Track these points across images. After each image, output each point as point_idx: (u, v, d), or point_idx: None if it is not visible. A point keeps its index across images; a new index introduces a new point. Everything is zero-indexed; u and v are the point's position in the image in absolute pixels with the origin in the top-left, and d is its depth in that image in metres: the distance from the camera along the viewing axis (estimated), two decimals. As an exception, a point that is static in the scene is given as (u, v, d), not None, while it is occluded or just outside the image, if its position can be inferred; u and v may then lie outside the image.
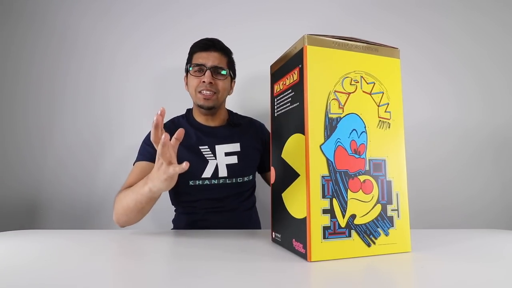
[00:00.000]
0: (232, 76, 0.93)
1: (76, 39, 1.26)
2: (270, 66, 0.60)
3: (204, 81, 0.84)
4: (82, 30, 1.26)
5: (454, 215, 1.19)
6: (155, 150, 0.81)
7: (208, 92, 0.85)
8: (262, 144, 0.96)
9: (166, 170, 0.57)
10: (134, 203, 0.68)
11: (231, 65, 0.93)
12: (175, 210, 0.95)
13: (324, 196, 0.44)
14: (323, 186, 0.44)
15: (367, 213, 0.46)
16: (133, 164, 0.85)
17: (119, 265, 0.43)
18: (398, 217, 0.48)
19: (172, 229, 0.94)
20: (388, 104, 0.50)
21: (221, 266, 0.42)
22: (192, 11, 1.26)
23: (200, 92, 0.86)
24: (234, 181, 0.88)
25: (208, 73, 0.84)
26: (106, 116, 1.25)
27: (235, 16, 1.25)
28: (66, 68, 1.26)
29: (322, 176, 0.44)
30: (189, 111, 0.97)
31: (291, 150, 0.50)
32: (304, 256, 0.44)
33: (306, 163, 0.44)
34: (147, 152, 0.84)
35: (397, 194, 0.49)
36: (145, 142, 0.87)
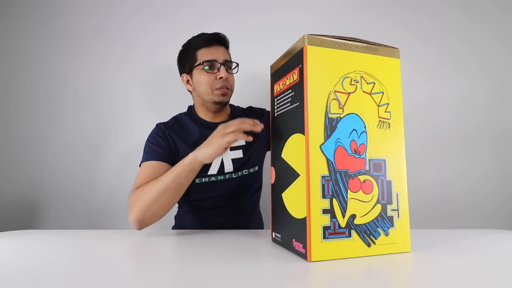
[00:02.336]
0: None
1: (76, 36, 1.26)
2: (270, 66, 0.60)
3: (221, 77, 0.82)
4: (81, 26, 1.26)
5: (453, 213, 1.19)
6: (162, 149, 0.81)
7: (225, 88, 0.84)
8: (266, 131, 0.92)
9: (230, 138, 0.63)
10: (172, 180, 0.68)
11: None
12: (178, 207, 0.94)
13: (324, 196, 0.44)
14: (323, 186, 0.44)
15: (367, 213, 0.46)
16: (139, 165, 0.81)
17: (119, 265, 0.43)
18: (398, 217, 0.48)
19: (173, 226, 0.94)
20: (388, 104, 0.50)
21: (221, 266, 0.42)
22: (189, 7, 1.25)
23: (217, 88, 0.83)
24: (240, 174, 0.86)
25: (222, 68, 0.83)
26: (107, 115, 1.24)
27: (234, 15, 1.25)
28: (65, 66, 1.25)
29: (322, 176, 0.44)
30: (191, 108, 0.94)
31: (291, 150, 0.50)
32: (304, 256, 0.44)
33: (306, 163, 0.44)
34: (154, 152, 0.81)
35: (397, 194, 0.49)
36: (151, 142, 0.84)
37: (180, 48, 0.90)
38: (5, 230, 0.75)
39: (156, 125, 0.89)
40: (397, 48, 0.52)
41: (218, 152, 0.64)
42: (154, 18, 1.26)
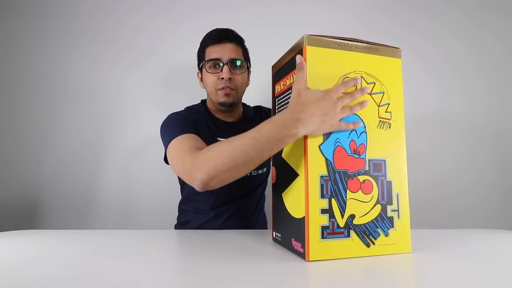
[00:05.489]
0: (249, 66, 0.87)
1: (77, 38, 1.27)
2: (272, 67, 0.60)
3: (222, 78, 0.79)
4: (83, 28, 1.28)
5: (454, 213, 1.18)
6: (189, 125, 0.74)
7: (228, 88, 0.81)
8: None
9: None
10: (255, 148, 0.50)
11: (246, 55, 0.86)
12: (180, 207, 0.93)
13: (322, 196, 0.44)
14: (321, 186, 0.44)
15: (366, 213, 0.46)
16: (166, 147, 0.71)
17: (119, 265, 0.44)
18: (399, 217, 0.48)
19: (176, 225, 0.94)
20: (388, 104, 0.50)
21: (221, 265, 0.42)
22: (188, 4, 1.26)
23: (220, 89, 0.81)
24: (248, 175, 0.81)
25: (225, 68, 0.79)
26: (107, 115, 1.25)
27: (234, 12, 1.25)
28: (67, 67, 1.26)
29: (321, 176, 0.44)
30: (204, 102, 0.92)
31: (291, 150, 0.50)
32: (302, 255, 0.44)
33: (305, 163, 0.44)
34: (182, 127, 0.72)
35: (397, 194, 0.48)
36: (173, 122, 0.76)
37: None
38: (7, 228, 0.74)
39: (169, 114, 0.82)
40: (398, 48, 0.52)
41: (328, 130, 0.47)
42: (156, 14, 1.27)
